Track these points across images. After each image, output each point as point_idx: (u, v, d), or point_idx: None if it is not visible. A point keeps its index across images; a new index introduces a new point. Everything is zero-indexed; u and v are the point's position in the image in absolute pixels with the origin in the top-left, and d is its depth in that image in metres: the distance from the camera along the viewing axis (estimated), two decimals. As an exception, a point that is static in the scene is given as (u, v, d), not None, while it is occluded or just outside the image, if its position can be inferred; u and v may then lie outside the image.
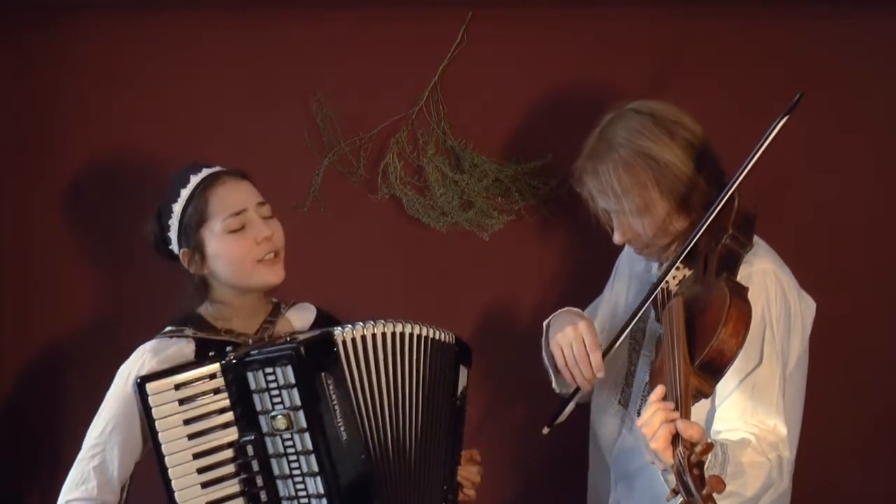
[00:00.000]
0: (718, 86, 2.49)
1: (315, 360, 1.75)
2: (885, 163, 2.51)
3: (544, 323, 2.02)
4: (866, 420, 2.53)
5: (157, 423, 1.74)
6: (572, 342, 1.86)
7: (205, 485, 1.76)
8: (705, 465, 1.46)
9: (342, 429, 1.74)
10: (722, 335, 1.59)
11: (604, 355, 1.89)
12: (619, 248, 2.11)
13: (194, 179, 1.91)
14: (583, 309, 2.13)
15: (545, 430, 1.96)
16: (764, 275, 1.81)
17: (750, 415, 1.75)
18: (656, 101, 1.92)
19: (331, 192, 2.50)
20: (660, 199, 1.85)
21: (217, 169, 1.94)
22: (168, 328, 1.90)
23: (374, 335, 1.82)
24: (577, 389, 1.91)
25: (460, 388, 1.95)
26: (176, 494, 1.74)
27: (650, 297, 1.86)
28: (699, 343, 1.63)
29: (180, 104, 2.49)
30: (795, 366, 1.86)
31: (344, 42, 2.50)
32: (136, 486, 1.89)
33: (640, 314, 1.89)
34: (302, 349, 1.73)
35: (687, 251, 1.83)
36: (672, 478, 1.50)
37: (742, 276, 1.79)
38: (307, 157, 2.48)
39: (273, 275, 1.88)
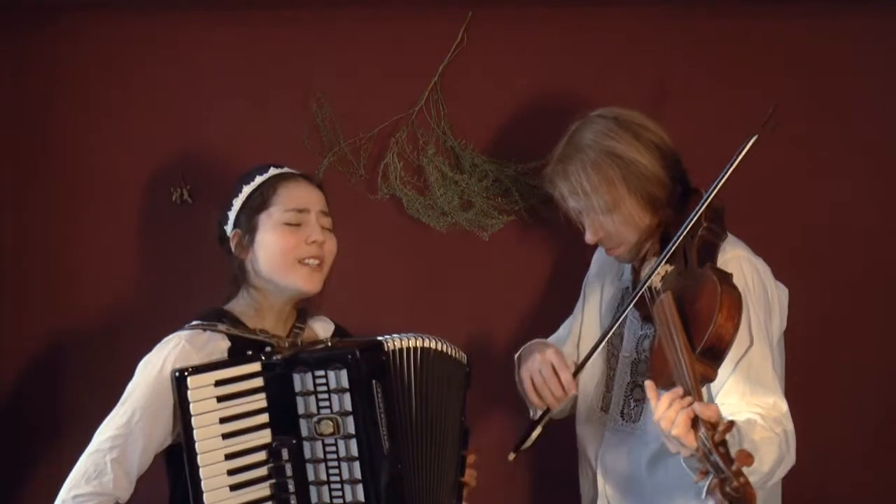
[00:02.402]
0: (718, 86, 2.49)
1: (369, 366, 1.73)
2: (886, 163, 2.51)
3: (515, 356, 2.08)
4: (867, 421, 2.53)
5: (193, 419, 1.68)
6: (540, 367, 1.93)
7: (234, 487, 1.71)
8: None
9: (385, 438, 1.73)
10: (718, 320, 1.65)
11: (579, 370, 1.96)
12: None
13: (273, 171, 1.93)
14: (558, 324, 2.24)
15: (511, 456, 1.98)
16: (738, 261, 1.88)
17: (750, 396, 1.79)
18: (621, 107, 1.99)
19: (331, 192, 2.48)
20: (627, 196, 1.91)
21: (297, 172, 1.97)
22: (196, 321, 1.85)
23: (408, 348, 1.81)
24: (545, 414, 1.95)
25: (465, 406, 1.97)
26: (205, 496, 1.69)
27: (633, 301, 1.90)
28: (697, 331, 1.69)
29: (180, 104, 2.50)
30: (776, 346, 1.91)
31: (344, 42, 2.51)
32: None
33: (620, 319, 1.93)
34: (358, 354, 1.71)
35: (663, 248, 1.89)
36: (697, 463, 1.54)
37: (718, 263, 1.84)
38: (307, 157, 2.48)
39: (308, 281, 1.86)
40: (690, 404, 1.57)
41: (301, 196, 1.90)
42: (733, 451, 1.49)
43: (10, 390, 2.49)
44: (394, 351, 1.79)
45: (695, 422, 1.55)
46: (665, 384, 1.70)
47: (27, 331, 2.49)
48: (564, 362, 1.93)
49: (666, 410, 1.59)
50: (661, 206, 1.93)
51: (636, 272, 2.03)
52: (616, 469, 2.01)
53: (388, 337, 1.80)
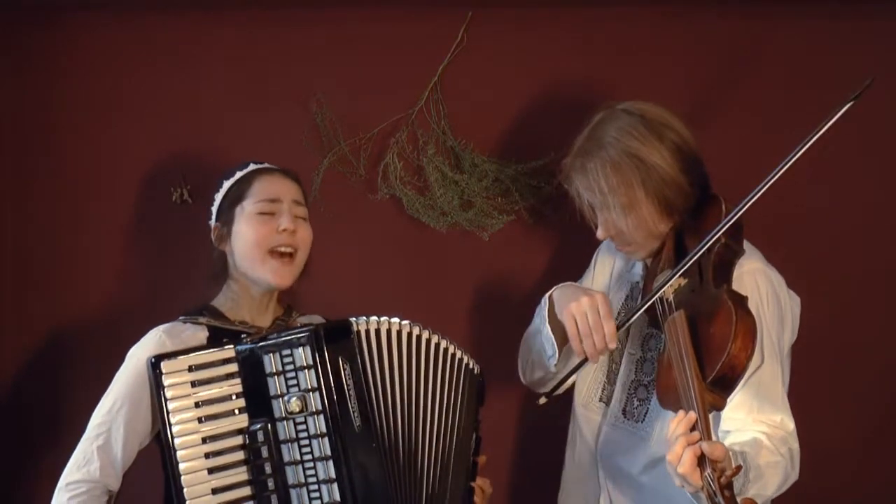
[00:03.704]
0: (718, 86, 2.49)
1: (333, 343, 1.75)
2: (885, 164, 2.51)
3: (545, 296, 2.00)
4: (866, 422, 2.53)
5: (168, 402, 1.74)
6: (587, 311, 1.83)
7: (211, 470, 1.74)
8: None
9: (356, 415, 1.74)
10: (732, 350, 1.61)
11: (620, 328, 1.87)
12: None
13: (252, 167, 1.99)
14: None
15: (541, 401, 1.95)
16: (754, 274, 1.85)
17: (757, 413, 1.77)
18: (647, 103, 1.95)
19: (331, 192, 2.50)
20: (644, 200, 1.88)
21: (274, 167, 2.02)
22: (181, 316, 1.92)
23: (388, 331, 1.83)
24: (583, 362, 1.88)
25: (479, 417, 1.98)
26: (182, 479, 1.72)
27: (646, 304, 1.87)
28: (709, 359, 1.65)
29: (180, 104, 2.50)
30: (786, 356, 1.90)
31: (344, 42, 2.51)
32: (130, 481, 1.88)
33: (634, 318, 1.90)
34: (321, 331, 1.74)
35: (677, 258, 1.85)
36: (703, 497, 1.52)
37: (733, 277, 1.82)
38: (307, 158, 2.48)
39: (277, 275, 1.90)
40: (699, 440, 1.54)
41: (274, 187, 1.95)
42: (742, 497, 1.47)
43: (10, 388, 2.48)
44: (367, 331, 1.81)
45: (701, 459, 1.52)
46: (671, 405, 1.70)
47: (28, 329, 2.48)
48: (611, 310, 1.85)
49: (672, 443, 1.55)
50: (678, 211, 1.90)
51: (647, 269, 2.01)
52: (617, 467, 2.00)
53: (362, 318, 1.82)
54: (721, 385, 1.63)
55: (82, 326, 2.49)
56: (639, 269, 2.07)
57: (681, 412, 1.60)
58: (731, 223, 1.78)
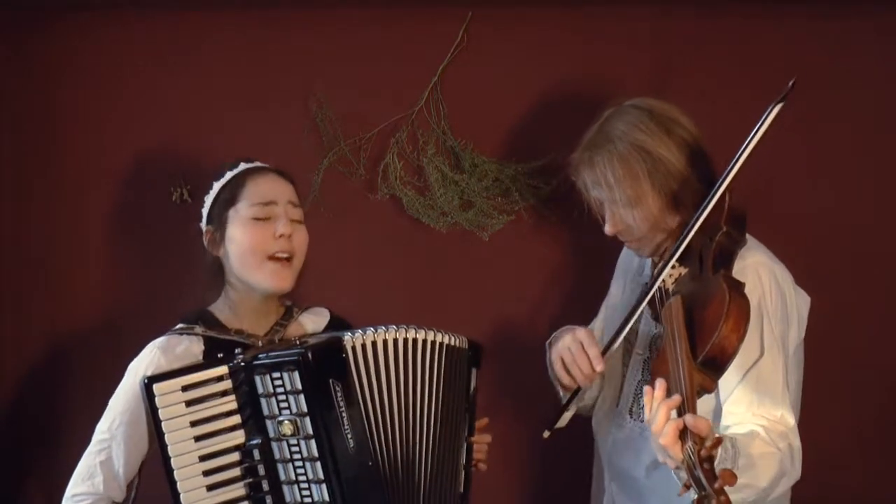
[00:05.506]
0: (718, 85, 2.49)
1: (323, 366, 1.72)
2: (882, 161, 2.51)
3: (546, 343, 2.04)
4: (864, 421, 2.53)
5: (163, 424, 1.72)
6: (569, 346, 1.89)
7: (210, 487, 1.74)
8: (716, 461, 1.48)
9: (349, 436, 1.72)
10: (723, 331, 1.61)
11: (606, 350, 1.90)
12: (619, 246, 2.12)
13: (242, 166, 1.94)
14: (592, 314, 2.20)
15: (545, 434, 1.97)
16: (758, 267, 1.84)
17: (756, 407, 1.76)
18: (655, 99, 1.96)
19: (331, 192, 2.50)
20: (651, 192, 1.88)
21: (267, 166, 1.97)
22: (179, 325, 1.89)
23: (384, 341, 1.80)
24: (576, 392, 1.93)
25: (471, 391, 1.95)
26: (182, 496, 1.72)
27: (646, 297, 1.88)
28: (700, 340, 1.65)
29: (180, 104, 2.50)
30: (793, 356, 1.89)
31: (344, 42, 2.50)
32: (145, 486, 1.88)
33: (636, 315, 1.90)
34: (309, 354, 1.70)
35: (681, 250, 1.85)
36: (683, 473, 1.51)
37: (736, 270, 1.81)
38: (307, 157, 2.48)
39: (276, 279, 1.86)
40: (679, 403, 1.54)
41: (268, 189, 1.90)
42: (721, 468, 1.46)
43: (9, 391, 2.49)
44: (362, 346, 1.78)
45: (683, 433, 1.52)
46: None
47: (28, 330, 2.49)
48: (594, 340, 1.89)
49: (656, 413, 1.55)
50: (684, 206, 1.90)
51: (655, 268, 2.01)
52: (621, 468, 2.00)
53: (353, 333, 1.79)
54: (711, 366, 1.63)
55: (83, 327, 2.49)
56: (648, 269, 2.07)
57: (658, 382, 1.60)
58: (712, 205, 1.79)
